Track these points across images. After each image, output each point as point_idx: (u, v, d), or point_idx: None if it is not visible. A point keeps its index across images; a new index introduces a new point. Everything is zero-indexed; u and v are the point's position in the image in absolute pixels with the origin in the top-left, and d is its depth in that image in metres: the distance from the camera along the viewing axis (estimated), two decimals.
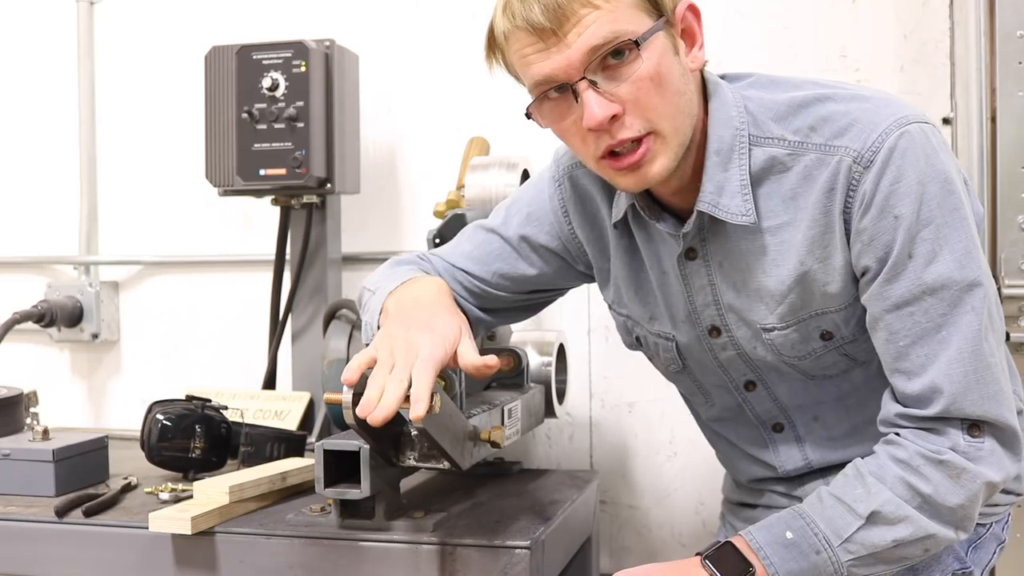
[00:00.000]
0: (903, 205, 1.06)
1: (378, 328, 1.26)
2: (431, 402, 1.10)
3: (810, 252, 1.14)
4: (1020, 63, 1.77)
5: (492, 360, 1.14)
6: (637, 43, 1.06)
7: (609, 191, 1.27)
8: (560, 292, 1.45)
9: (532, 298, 1.41)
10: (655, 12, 1.08)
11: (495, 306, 1.39)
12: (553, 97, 1.10)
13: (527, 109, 1.14)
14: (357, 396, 1.15)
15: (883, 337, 1.11)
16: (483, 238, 1.37)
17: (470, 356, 1.14)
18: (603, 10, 1.05)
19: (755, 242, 1.16)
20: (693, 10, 1.13)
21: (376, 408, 1.06)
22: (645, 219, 1.22)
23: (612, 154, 1.10)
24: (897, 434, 1.11)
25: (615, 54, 1.06)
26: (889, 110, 1.10)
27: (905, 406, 1.11)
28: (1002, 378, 1.09)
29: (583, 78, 1.07)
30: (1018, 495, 1.24)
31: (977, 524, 1.12)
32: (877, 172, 1.07)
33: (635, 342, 1.37)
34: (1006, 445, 1.09)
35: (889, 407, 1.13)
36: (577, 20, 1.05)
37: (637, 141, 1.09)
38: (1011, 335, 1.75)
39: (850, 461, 1.17)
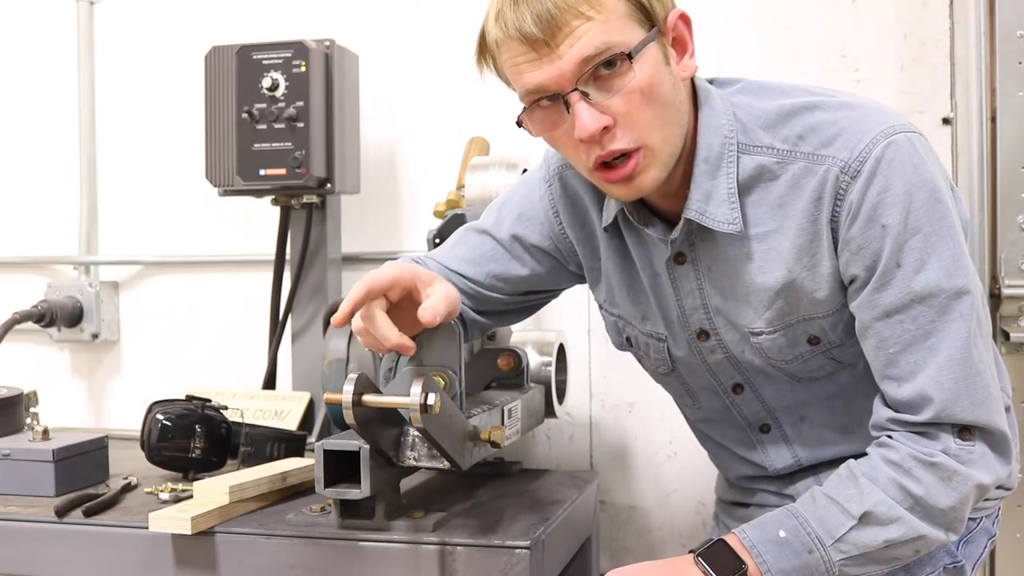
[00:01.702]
0: (890, 215, 1.07)
1: None
2: (427, 400, 1.10)
3: (798, 260, 1.14)
4: (1020, 63, 1.77)
5: (431, 315, 1.13)
6: (630, 56, 1.05)
7: (598, 192, 1.27)
8: (554, 294, 1.45)
9: (526, 300, 1.42)
10: (647, 22, 1.08)
11: (490, 308, 1.39)
12: (544, 106, 1.10)
13: (518, 118, 1.13)
14: (357, 396, 1.15)
15: (873, 344, 1.12)
16: (476, 240, 1.37)
17: (431, 302, 1.14)
18: (595, 21, 1.04)
19: (742, 249, 1.17)
20: (684, 19, 1.13)
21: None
22: (635, 223, 1.22)
23: (604, 165, 1.10)
24: (890, 436, 1.12)
25: (607, 64, 1.06)
26: (876, 120, 1.10)
27: (896, 411, 1.11)
28: (991, 383, 1.10)
29: (575, 89, 1.06)
30: (1008, 489, 1.24)
31: (968, 518, 1.13)
32: (864, 182, 1.08)
33: (625, 343, 1.37)
34: (996, 449, 1.10)
35: (880, 412, 1.14)
36: (570, 31, 1.04)
37: (626, 155, 1.09)
38: (1011, 335, 1.75)
39: (839, 457, 1.18)
